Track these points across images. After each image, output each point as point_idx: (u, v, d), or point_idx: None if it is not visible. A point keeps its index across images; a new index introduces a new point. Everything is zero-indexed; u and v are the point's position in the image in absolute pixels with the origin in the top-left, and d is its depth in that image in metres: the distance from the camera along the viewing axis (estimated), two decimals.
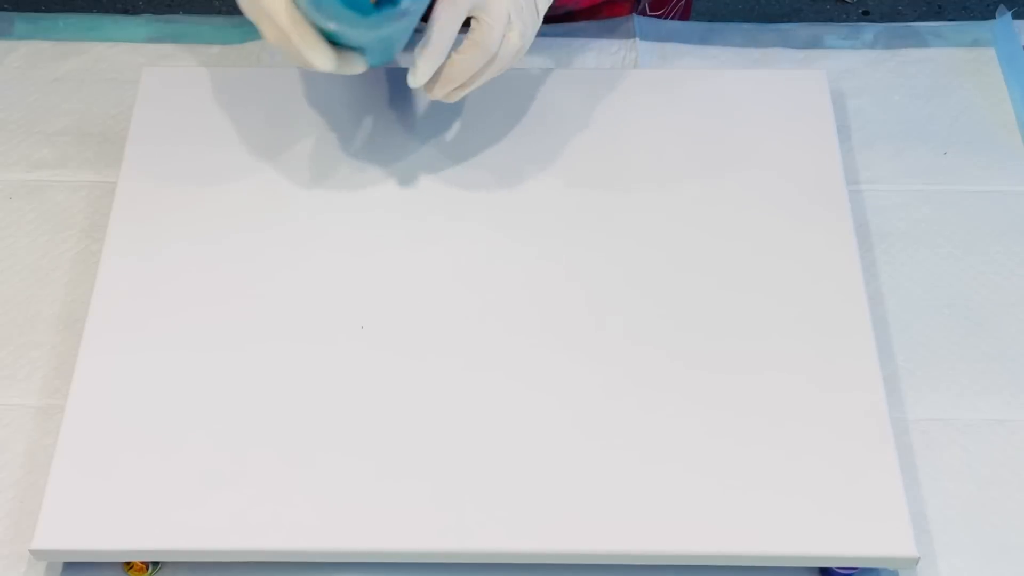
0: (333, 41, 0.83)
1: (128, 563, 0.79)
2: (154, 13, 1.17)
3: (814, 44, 1.09)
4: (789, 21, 1.13)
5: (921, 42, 1.09)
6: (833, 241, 0.91)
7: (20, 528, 0.81)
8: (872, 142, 1.02)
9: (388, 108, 0.99)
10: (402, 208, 0.93)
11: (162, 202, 0.93)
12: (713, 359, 0.85)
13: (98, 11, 1.20)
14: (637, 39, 1.09)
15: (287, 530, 0.78)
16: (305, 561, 0.79)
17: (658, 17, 1.18)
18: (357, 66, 0.85)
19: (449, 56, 0.85)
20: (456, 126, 0.98)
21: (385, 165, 0.96)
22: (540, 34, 1.09)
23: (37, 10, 1.16)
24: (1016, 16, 1.11)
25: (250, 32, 1.10)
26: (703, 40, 1.10)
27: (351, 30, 0.82)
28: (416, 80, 0.85)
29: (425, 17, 0.84)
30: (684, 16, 1.25)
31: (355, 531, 0.78)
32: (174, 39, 1.10)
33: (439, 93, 0.87)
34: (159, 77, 1.01)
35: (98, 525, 0.78)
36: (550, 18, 0.96)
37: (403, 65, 1.03)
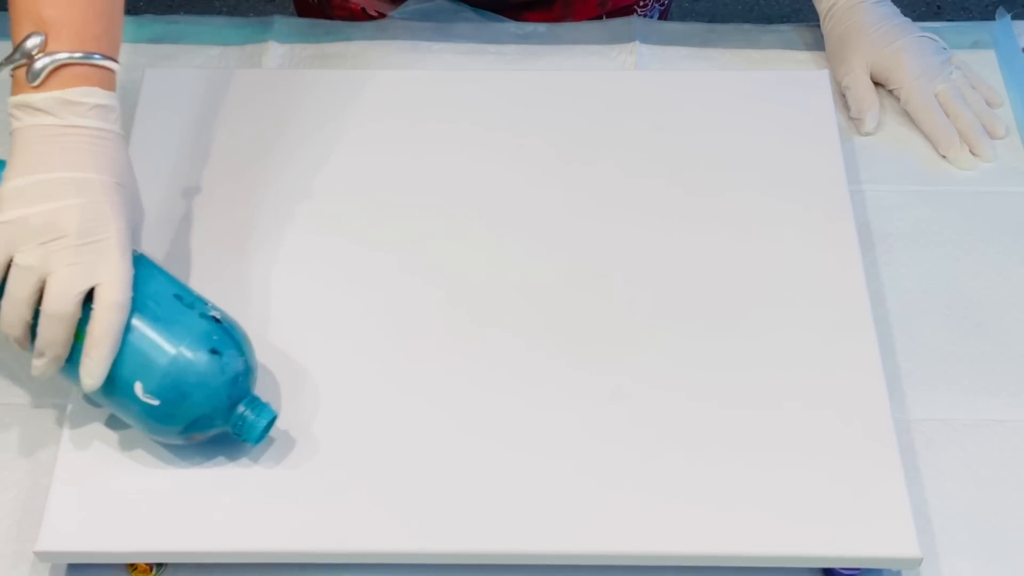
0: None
1: (132, 564, 0.79)
2: (154, 13, 1.16)
3: (815, 45, 1.10)
4: (789, 22, 1.14)
5: None
6: (835, 241, 0.91)
7: (23, 527, 0.81)
8: (873, 142, 1.02)
9: (389, 109, 0.99)
10: (402, 209, 0.93)
11: (163, 201, 0.93)
12: (716, 360, 0.85)
13: None
14: (637, 42, 1.09)
15: (290, 531, 0.78)
16: (307, 562, 0.79)
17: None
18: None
19: None
20: (457, 128, 0.98)
21: (386, 166, 0.96)
22: (540, 38, 1.10)
23: None
24: (1015, 18, 1.11)
25: (250, 33, 1.10)
26: (703, 42, 1.10)
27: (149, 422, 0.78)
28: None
29: None
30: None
31: (356, 532, 0.78)
32: (174, 39, 1.10)
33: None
34: (161, 78, 1.02)
35: (102, 527, 0.78)
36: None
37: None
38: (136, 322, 0.76)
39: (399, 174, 0.95)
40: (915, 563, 0.78)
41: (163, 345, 0.76)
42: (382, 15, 1.17)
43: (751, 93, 1.01)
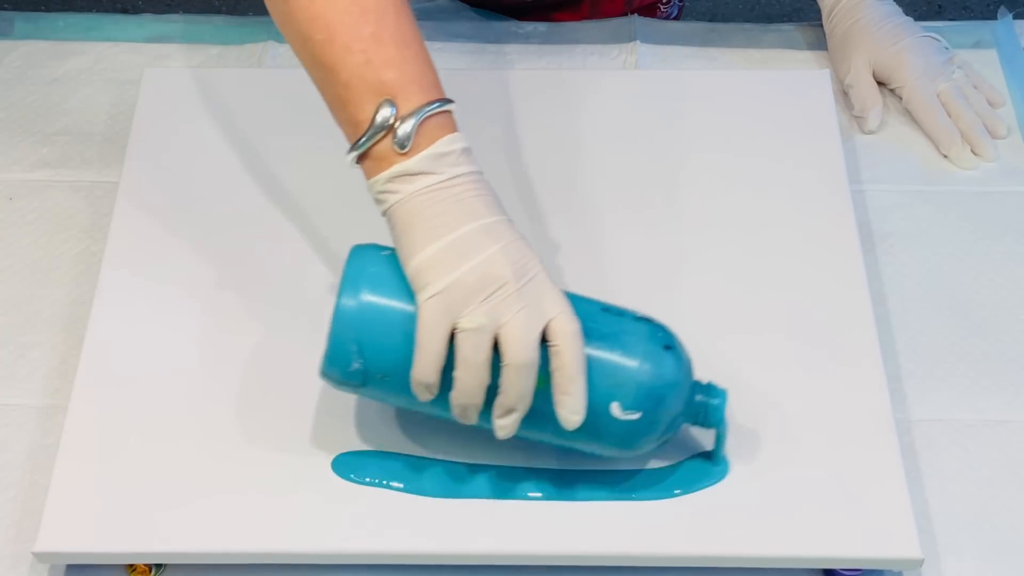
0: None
1: (131, 565, 0.79)
2: (154, 13, 1.16)
3: (816, 45, 1.09)
4: (790, 21, 1.14)
5: None
6: (836, 241, 0.91)
7: (22, 527, 0.81)
8: (874, 142, 1.02)
9: None
10: None
11: (164, 202, 0.93)
12: (717, 359, 0.85)
13: (98, 11, 1.18)
14: (637, 41, 1.09)
15: (289, 531, 0.78)
16: (307, 563, 0.79)
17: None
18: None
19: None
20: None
21: None
22: (541, 38, 1.10)
23: (37, 10, 1.15)
24: (1017, 17, 1.11)
25: (250, 33, 1.10)
26: (704, 42, 1.10)
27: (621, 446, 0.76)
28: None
29: None
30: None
31: (356, 533, 0.78)
32: (174, 39, 1.10)
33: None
34: (161, 77, 1.01)
35: (101, 527, 0.78)
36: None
37: None
38: (590, 346, 0.74)
39: None
40: (916, 564, 0.78)
41: (628, 358, 0.74)
42: None
43: (752, 93, 1.01)
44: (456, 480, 0.79)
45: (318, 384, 0.84)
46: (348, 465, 0.80)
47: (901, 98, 1.03)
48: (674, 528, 0.78)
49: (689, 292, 0.89)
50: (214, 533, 0.78)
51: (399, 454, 0.81)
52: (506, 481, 0.79)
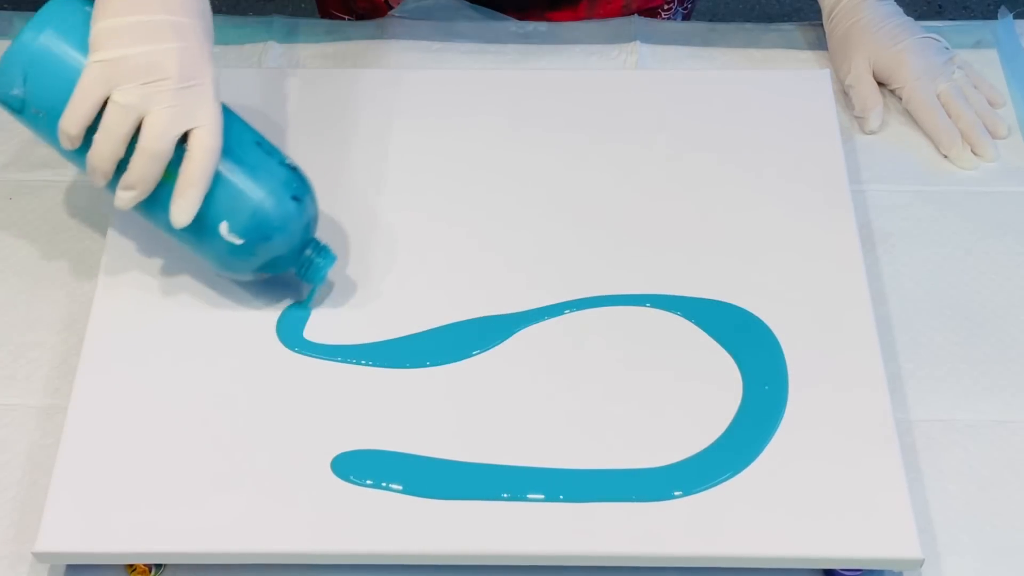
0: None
1: (131, 565, 0.79)
2: None
3: (817, 44, 1.09)
4: (791, 20, 1.13)
5: None
6: (836, 240, 0.91)
7: (21, 527, 0.81)
8: (875, 142, 1.02)
9: (388, 109, 0.99)
10: (400, 209, 0.93)
11: None
12: (717, 359, 0.85)
13: None
14: (637, 42, 1.09)
15: (289, 531, 0.78)
16: (307, 563, 0.79)
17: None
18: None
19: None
20: (457, 128, 0.98)
21: (384, 166, 0.96)
22: (541, 38, 1.10)
23: (37, 10, 1.15)
24: (1017, 16, 1.11)
25: (250, 33, 1.10)
26: (704, 42, 1.10)
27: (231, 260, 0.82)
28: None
29: None
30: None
31: (356, 533, 0.78)
32: None
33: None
34: None
35: (101, 527, 0.78)
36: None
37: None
38: (225, 166, 0.80)
39: (398, 172, 0.95)
40: (917, 564, 0.77)
41: (252, 189, 0.80)
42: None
43: (752, 93, 1.01)
44: (456, 480, 0.79)
45: (318, 385, 0.84)
46: (348, 465, 0.80)
47: (901, 98, 1.03)
48: (674, 528, 0.78)
49: (688, 291, 0.89)
50: (214, 533, 0.78)
51: (399, 454, 0.81)
52: (506, 482, 0.79)
